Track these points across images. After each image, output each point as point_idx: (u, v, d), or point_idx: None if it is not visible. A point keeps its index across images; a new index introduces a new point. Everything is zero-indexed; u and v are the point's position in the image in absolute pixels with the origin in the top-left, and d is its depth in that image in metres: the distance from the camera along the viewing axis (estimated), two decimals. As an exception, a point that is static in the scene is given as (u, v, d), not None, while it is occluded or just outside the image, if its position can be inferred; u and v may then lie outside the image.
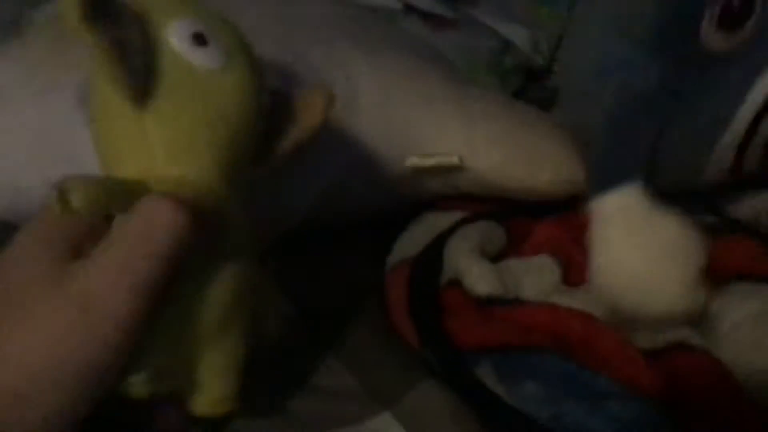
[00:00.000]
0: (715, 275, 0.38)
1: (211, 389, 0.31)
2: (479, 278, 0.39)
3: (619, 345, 0.36)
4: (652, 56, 0.36)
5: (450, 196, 0.47)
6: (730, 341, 0.35)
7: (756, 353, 0.34)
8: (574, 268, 0.42)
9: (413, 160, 0.42)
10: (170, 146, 0.28)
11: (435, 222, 0.45)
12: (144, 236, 0.26)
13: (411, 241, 0.44)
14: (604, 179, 0.34)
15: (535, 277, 0.43)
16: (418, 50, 0.55)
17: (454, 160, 0.43)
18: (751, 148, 0.38)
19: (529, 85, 0.63)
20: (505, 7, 0.69)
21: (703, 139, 0.38)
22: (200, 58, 0.29)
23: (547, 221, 0.45)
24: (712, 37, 0.34)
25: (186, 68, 0.28)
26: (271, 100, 0.33)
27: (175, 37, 0.28)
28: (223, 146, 0.29)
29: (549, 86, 0.61)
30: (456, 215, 0.44)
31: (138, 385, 0.28)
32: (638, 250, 0.33)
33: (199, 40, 0.29)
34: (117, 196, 0.26)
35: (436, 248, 0.42)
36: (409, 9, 0.84)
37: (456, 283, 0.40)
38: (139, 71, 0.27)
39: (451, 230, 0.43)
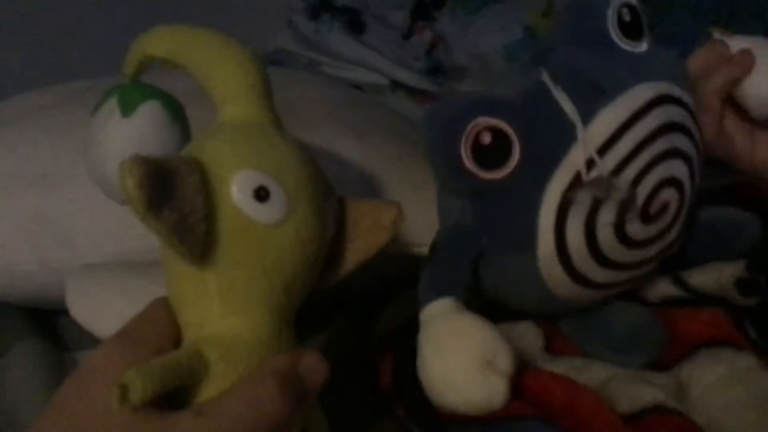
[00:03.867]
0: (682, 342, 0.39)
1: None
2: None
3: (601, 409, 0.36)
4: (458, 197, 0.38)
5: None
6: (702, 406, 0.36)
7: (727, 417, 0.35)
8: (558, 339, 0.43)
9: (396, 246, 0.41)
10: (226, 297, 0.29)
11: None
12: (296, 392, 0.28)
13: (395, 314, 0.45)
14: (427, 295, 0.37)
15: (519, 342, 0.44)
16: (403, 132, 0.57)
17: None
18: (574, 255, 0.36)
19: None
20: (490, 83, 0.72)
21: (522, 259, 0.37)
22: (259, 214, 0.29)
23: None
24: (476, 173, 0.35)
25: (245, 223, 0.28)
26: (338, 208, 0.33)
27: (236, 192, 0.28)
28: (279, 293, 0.30)
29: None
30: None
31: None
32: (437, 353, 0.34)
33: (260, 194, 0.29)
34: (173, 381, 0.26)
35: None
36: (396, 84, 0.88)
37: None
38: (200, 240, 0.27)
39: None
